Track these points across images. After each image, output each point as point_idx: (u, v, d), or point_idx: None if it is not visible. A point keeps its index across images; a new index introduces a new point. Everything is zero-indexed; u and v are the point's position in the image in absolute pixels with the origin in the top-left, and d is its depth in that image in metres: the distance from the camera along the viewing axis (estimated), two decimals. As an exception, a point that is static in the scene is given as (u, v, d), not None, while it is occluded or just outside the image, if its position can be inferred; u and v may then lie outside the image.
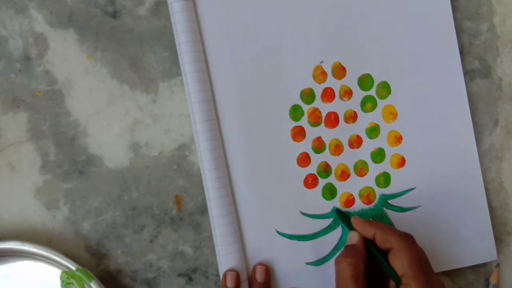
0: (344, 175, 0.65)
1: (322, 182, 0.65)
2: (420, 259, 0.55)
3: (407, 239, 0.56)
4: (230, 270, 0.62)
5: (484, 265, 0.66)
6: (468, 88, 0.66)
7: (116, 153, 0.65)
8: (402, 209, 0.65)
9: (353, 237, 0.60)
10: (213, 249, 0.64)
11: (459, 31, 0.66)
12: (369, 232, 0.58)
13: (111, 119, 0.65)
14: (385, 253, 0.57)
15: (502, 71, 0.66)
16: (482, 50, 0.66)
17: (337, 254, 0.60)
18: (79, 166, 0.65)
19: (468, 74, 0.66)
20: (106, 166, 0.65)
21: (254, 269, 0.64)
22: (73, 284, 0.62)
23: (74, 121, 0.65)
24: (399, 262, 0.55)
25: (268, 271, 0.64)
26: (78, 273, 0.61)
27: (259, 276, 0.63)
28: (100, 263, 0.65)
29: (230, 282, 0.61)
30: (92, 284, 0.62)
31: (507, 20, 0.66)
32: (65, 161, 0.65)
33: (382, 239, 0.57)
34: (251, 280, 0.64)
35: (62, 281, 0.63)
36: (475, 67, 0.66)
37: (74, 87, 0.65)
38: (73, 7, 0.64)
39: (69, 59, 0.65)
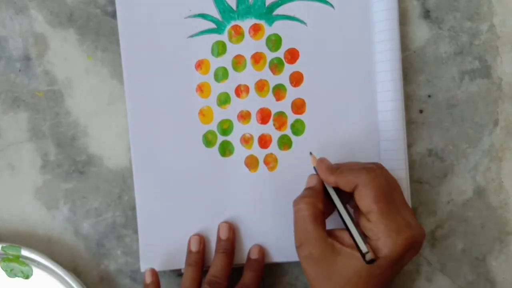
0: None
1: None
2: (385, 191, 0.54)
3: (369, 172, 0.55)
4: (195, 234, 0.64)
5: (484, 264, 0.66)
6: (468, 88, 0.66)
7: (116, 153, 0.65)
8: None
9: (311, 180, 0.60)
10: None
11: (459, 31, 0.66)
12: (330, 180, 0.57)
13: (111, 119, 0.65)
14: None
15: (502, 71, 0.66)
16: (482, 50, 0.66)
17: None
18: (79, 166, 0.65)
19: (468, 74, 0.66)
20: (106, 166, 0.65)
21: (218, 227, 0.64)
22: (14, 268, 0.63)
23: (74, 121, 0.65)
24: (364, 200, 0.54)
25: (232, 229, 0.64)
26: (6, 250, 0.62)
27: (223, 234, 0.63)
28: (100, 263, 0.65)
29: (194, 246, 0.63)
30: (22, 252, 0.62)
31: (507, 20, 0.66)
32: (65, 161, 0.65)
33: (345, 184, 0.55)
34: (216, 237, 0.64)
35: (5, 270, 0.63)
36: (475, 67, 0.66)
37: (74, 87, 0.65)
38: (73, 7, 0.64)
39: (69, 59, 0.65)
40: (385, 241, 0.52)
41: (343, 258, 0.54)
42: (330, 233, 0.56)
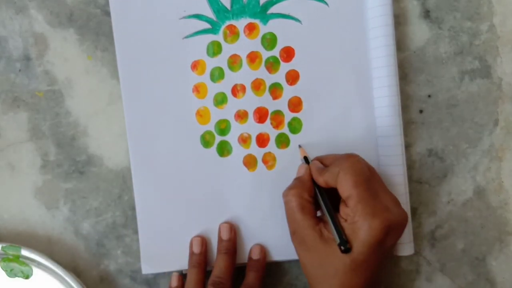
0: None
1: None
2: (364, 176, 0.55)
3: (349, 158, 0.57)
4: (196, 236, 0.64)
5: (484, 264, 0.66)
6: (468, 88, 0.66)
7: (116, 153, 0.65)
8: None
9: (300, 170, 0.61)
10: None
11: (459, 31, 0.66)
12: (320, 181, 0.58)
13: (111, 119, 0.65)
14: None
15: (502, 71, 0.66)
16: (482, 50, 0.66)
17: None
18: (79, 166, 0.65)
19: (468, 74, 0.66)
20: (106, 166, 0.65)
21: (219, 227, 0.64)
22: (14, 268, 0.63)
23: (74, 121, 0.65)
24: (344, 185, 0.55)
25: (233, 229, 0.64)
26: (6, 250, 0.62)
27: (224, 234, 0.63)
28: (100, 263, 0.65)
29: (196, 248, 0.63)
30: (22, 252, 0.62)
31: (507, 20, 0.66)
32: (65, 161, 0.65)
33: (332, 178, 0.56)
34: (218, 238, 0.64)
35: (5, 270, 0.63)
36: (475, 67, 0.66)
37: (74, 87, 0.65)
38: (73, 7, 0.64)
39: (69, 59, 0.65)
40: (361, 225, 0.53)
41: (331, 245, 0.55)
42: (321, 220, 0.57)
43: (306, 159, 0.62)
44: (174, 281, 0.63)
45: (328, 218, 0.56)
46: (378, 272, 0.56)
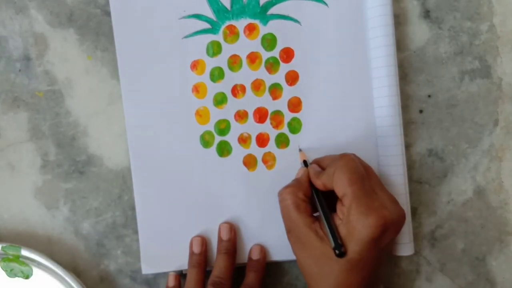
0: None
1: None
2: (359, 174, 0.55)
3: (343, 157, 0.57)
4: (196, 236, 0.64)
5: (484, 264, 0.66)
6: (468, 88, 0.66)
7: (116, 153, 0.65)
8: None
9: (299, 172, 0.62)
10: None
11: (459, 31, 0.66)
12: (318, 184, 0.58)
13: (111, 119, 0.65)
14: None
15: (502, 71, 0.66)
16: (482, 50, 0.66)
17: None
18: (79, 166, 0.65)
19: (468, 74, 0.66)
20: (106, 166, 0.65)
21: (219, 227, 0.64)
22: (14, 268, 0.63)
23: (74, 121, 0.65)
24: (339, 183, 0.55)
25: (233, 229, 0.64)
26: (6, 250, 0.62)
27: (224, 234, 0.64)
28: (100, 263, 0.65)
29: (196, 248, 0.63)
30: (22, 252, 0.62)
31: (507, 20, 0.66)
32: (65, 161, 0.65)
33: (329, 179, 0.56)
34: (218, 238, 0.64)
35: (5, 270, 0.63)
36: (475, 67, 0.66)
37: (74, 87, 0.65)
38: (73, 7, 0.64)
39: (69, 59, 0.65)
40: (356, 223, 0.53)
41: (326, 244, 0.54)
42: (316, 219, 0.57)
43: (305, 162, 0.62)
44: (171, 281, 0.63)
45: (323, 221, 0.56)
46: (376, 270, 0.55)
